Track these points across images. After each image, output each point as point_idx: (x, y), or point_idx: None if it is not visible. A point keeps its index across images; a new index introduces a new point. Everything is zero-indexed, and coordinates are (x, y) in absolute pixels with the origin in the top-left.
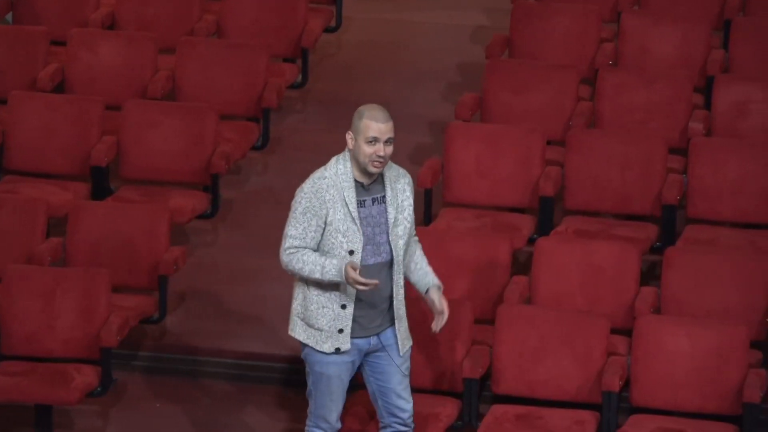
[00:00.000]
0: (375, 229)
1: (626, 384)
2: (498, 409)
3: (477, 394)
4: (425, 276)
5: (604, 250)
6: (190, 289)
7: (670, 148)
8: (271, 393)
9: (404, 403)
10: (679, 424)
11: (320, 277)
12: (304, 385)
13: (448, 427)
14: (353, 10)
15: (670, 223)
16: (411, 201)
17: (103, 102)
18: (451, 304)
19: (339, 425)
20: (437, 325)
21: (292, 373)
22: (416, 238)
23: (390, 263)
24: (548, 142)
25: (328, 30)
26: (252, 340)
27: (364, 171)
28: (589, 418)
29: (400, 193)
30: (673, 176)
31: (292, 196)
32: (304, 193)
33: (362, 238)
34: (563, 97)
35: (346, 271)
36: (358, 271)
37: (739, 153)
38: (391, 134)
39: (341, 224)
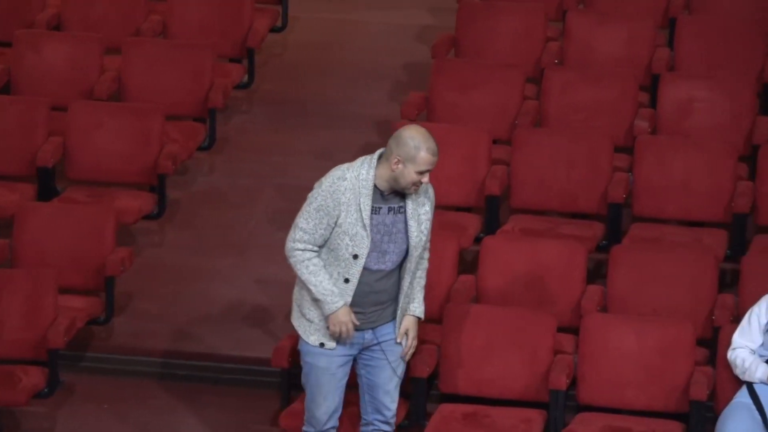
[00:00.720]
0: (384, 237)
1: (573, 382)
2: (445, 408)
3: (425, 393)
4: (410, 302)
5: (550, 249)
6: (137, 290)
7: (615, 147)
8: (219, 393)
9: (390, 402)
10: (626, 422)
11: (314, 291)
12: (252, 384)
13: (396, 426)
14: (299, 10)
15: (616, 221)
16: (430, 215)
17: (49, 103)
18: None
19: (330, 423)
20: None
21: (240, 373)
22: (427, 255)
23: (392, 272)
24: (494, 141)
25: (274, 30)
26: (200, 340)
27: (388, 184)
28: (536, 416)
29: (420, 207)
30: (619, 174)
31: (238, 196)
32: (322, 190)
33: (369, 245)
34: (509, 96)
35: (340, 311)
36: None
37: (685, 151)
38: None
39: (351, 228)
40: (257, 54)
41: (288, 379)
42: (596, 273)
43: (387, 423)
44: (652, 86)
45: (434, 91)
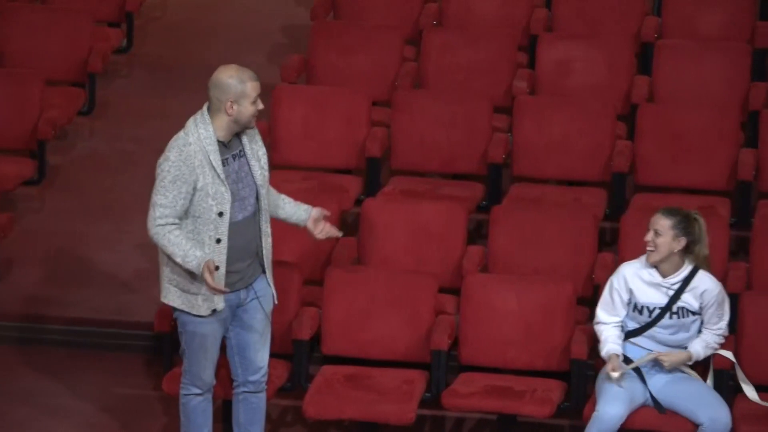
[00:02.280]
0: (238, 184)
1: (455, 342)
2: (328, 370)
3: (307, 355)
4: (298, 206)
5: (430, 210)
6: (18, 257)
7: (494, 107)
8: (102, 359)
9: (261, 359)
10: (508, 381)
11: (180, 262)
12: (134, 349)
13: (278, 389)
14: None
15: (495, 181)
16: (264, 149)
17: None
18: (280, 266)
19: (214, 381)
20: (328, 231)
21: (122, 337)
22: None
23: (253, 216)
24: (374, 103)
25: None
26: (82, 305)
27: (230, 130)
28: (418, 376)
29: (254, 144)
30: (499, 135)
31: (119, 161)
32: (172, 162)
33: (230, 199)
34: (388, 57)
35: (202, 271)
36: (217, 273)
37: (563, 111)
38: None
39: (210, 188)
40: (136, 18)
41: (170, 343)
42: (477, 233)
43: (258, 382)
44: (530, 47)
45: (313, 54)
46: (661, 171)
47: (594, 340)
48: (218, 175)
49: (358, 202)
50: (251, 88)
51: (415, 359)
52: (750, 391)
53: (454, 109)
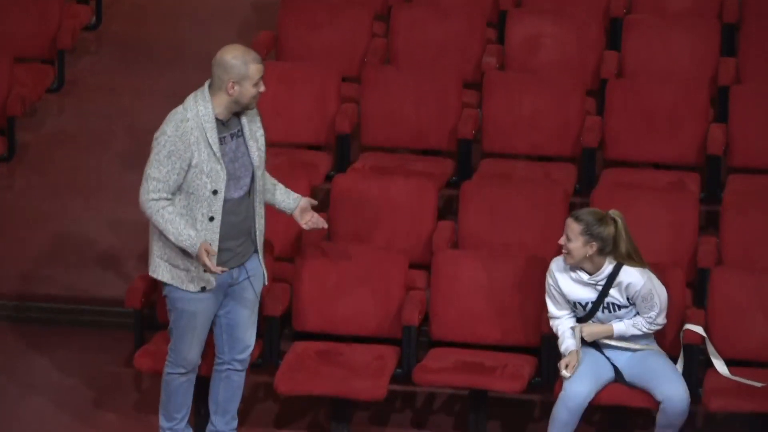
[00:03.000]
0: (235, 163)
1: (426, 318)
2: (299, 346)
3: (278, 331)
4: (288, 193)
5: (400, 186)
6: None
7: (464, 83)
8: (72, 335)
9: (249, 338)
10: (479, 357)
11: (173, 240)
12: (106, 326)
13: (249, 365)
14: None
15: (465, 157)
16: (263, 131)
17: None
18: None
19: (199, 362)
20: (315, 222)
21: (93, 314)
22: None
23: (249, 194)
24: (344, 79)
25: None
26: (52, 282)
27: (229, 109)
28: (389, 352)
29: (253, 124)
30: (468, 111)
31: (88, 138)
32: (168, 137)
33: (225, 178)
34: (358, 34)
35: (199, 252)
36: (212, 254)
37: (533, 87)
38: None
39: (205, 165)
40: None
41: (141, 319)
42: (447, 209)
43: (245, 360)
44: (499, 22)
45: (283, 30)
46: (631, 146)
47: None
48: (214, 153)
49: (329, 178)
50: (254, 70)
51: (386, 335)
52: (720, 366)
53: (424, 84)
